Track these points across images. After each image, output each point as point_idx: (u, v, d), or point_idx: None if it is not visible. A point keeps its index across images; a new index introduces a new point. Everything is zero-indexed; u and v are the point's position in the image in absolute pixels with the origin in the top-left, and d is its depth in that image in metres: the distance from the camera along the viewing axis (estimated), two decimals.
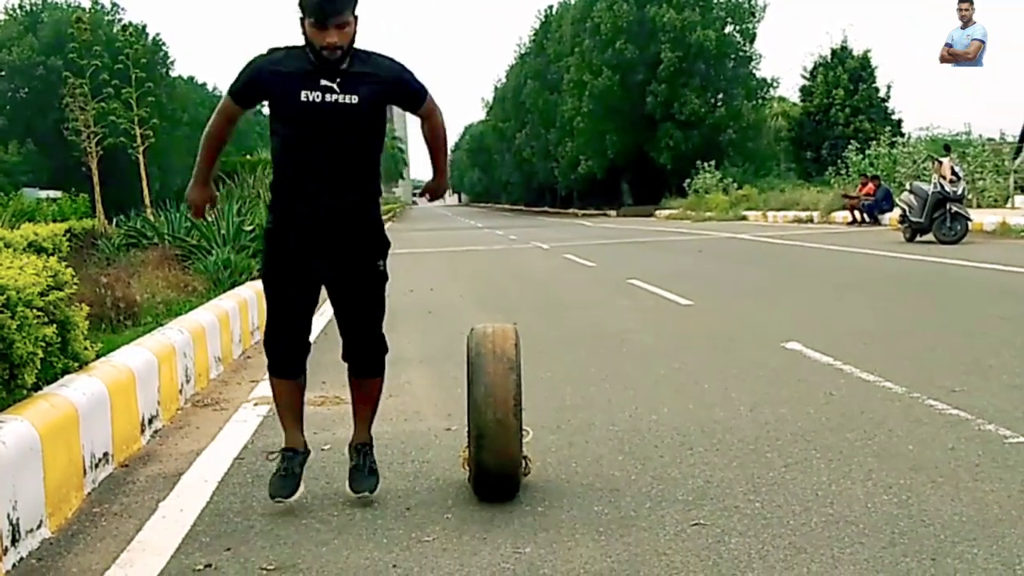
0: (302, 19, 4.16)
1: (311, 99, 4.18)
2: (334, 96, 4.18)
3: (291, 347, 4.55)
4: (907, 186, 22.60)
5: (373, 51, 4.37)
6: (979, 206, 26.68)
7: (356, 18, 4.19)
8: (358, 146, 4.33)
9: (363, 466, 4.57)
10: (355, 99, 4.21)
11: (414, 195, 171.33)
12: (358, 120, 4.26)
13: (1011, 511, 4.01)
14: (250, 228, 13.14)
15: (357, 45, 4.25)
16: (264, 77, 4.30)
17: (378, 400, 4.74)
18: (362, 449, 4.62)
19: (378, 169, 4.49)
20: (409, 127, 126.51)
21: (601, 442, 5.35)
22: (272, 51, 4.35)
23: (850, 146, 38.08)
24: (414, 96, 4.43)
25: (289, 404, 4.63)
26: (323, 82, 4.18)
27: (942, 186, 19.43)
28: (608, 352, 8.24)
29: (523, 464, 4.46)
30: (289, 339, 4.53)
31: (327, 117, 4.20)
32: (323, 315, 11.54)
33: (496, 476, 4.33)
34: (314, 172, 4.28)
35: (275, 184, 4.46)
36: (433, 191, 4.89)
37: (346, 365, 4.68)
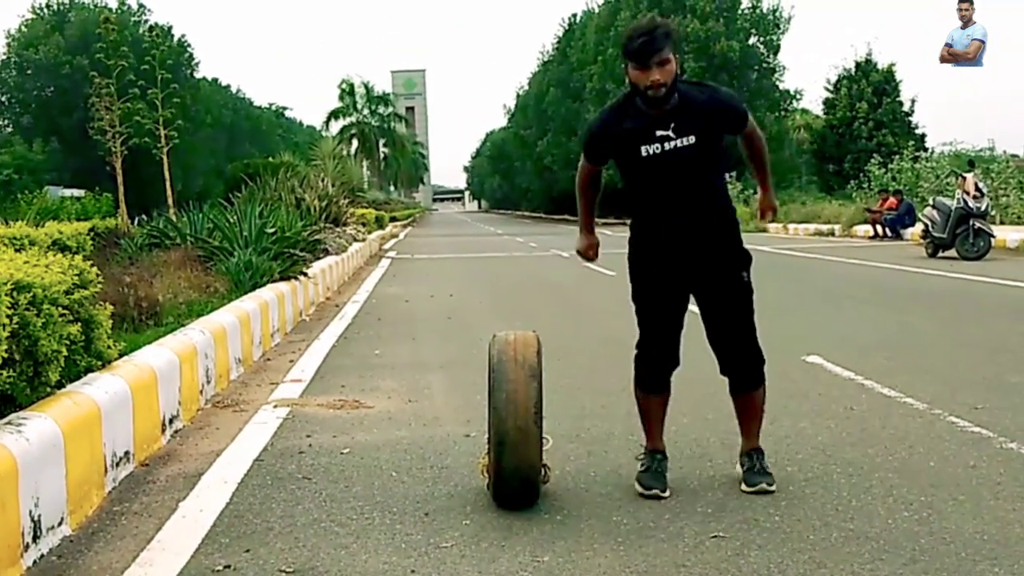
0: (625, 65, 4.39)
1: (651, 152, 4.41)
2: (672, 143, 4.40)
3: (663, 366, 4.78)
4: (930, 201, 22.50)
5: (692, 83, 4.63)
6: (1002, 222, 26.53)
7: (677, 56, 4.37)
8: (703, 176, 4.53)
9: (756, 467, 4.69)
10: (692, 139, 4.40)
11: (434, 200, 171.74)
12: (698, 157, 4.44)
13: None
14: (272, 230, 13.17)
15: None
16: (605, 142, 4.57)
17: (763, 409, 4.86)
18: (753, 454, 4.75)
19: (724, 185, 4.71)
20: (431, 132, 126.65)
21: (620, 451, 5.34)
22: (603, 113, 4.65)
23: (873, 160, 37.95)
24: (738, 120, 4.61)
25: (656, 416, 4.83)
26: (658, 133, 4.39)
27: (965, 202, 19.34)
28: (628, 361, 8.15)
29: (542, 472, 4.46)
30: (662, 359, 4.76)
31: (670, 163, 4.41)
32: (342, 319, 11.59)
33: (515, 483, 4.33)
34: (667, 208, 4.54)
35: (634, 221, 4.70)
36: (765, 209, 4.97)
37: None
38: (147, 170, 31.53)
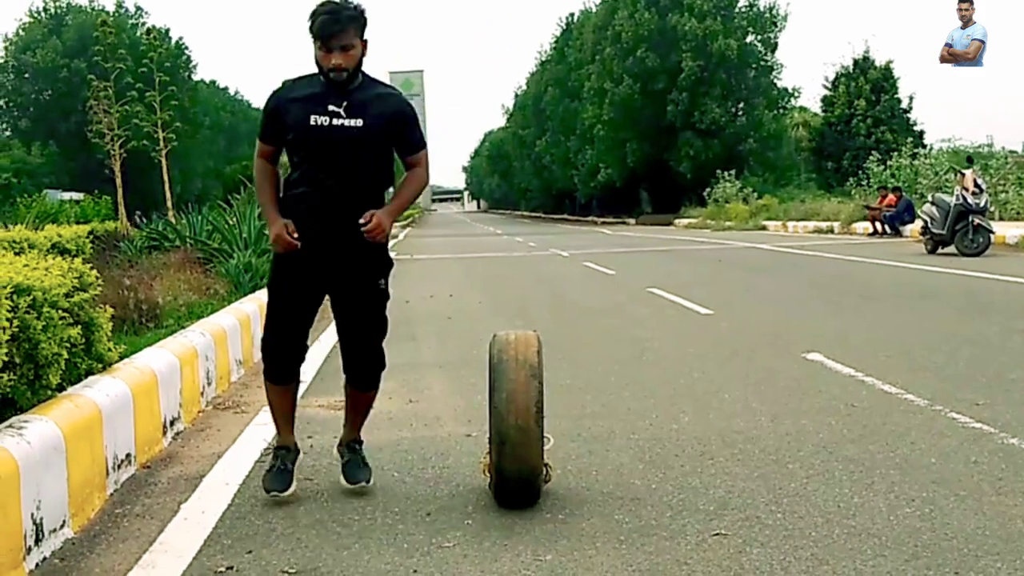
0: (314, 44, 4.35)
1: (319, 123, 4.37)
2: (340, 120, 4.37)
3: (290, 356, 4.70)
4: (929, 198, 22.49)
5: (384, 82, 4.59)
6: (1002, 219, 26.53)
7: (364, 42, 4.36)
8: (363, 169, 4.48)
9: (357, 459, 4.76)
10: (359, 123, 4.38)
11: (433, 200, 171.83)
12: (363, 143, 4.41)
13: None
14: None
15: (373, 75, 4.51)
16: (279, 108, 4.51)
17: (370, 408, 4.91)
18: (352, 445, 4.81)
19: (383, 192, 4.62)
20: (429, 133, 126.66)
21: (622, 450, 5.34)
22: (285, 83, 4.57)
23: (871, 157, 37.95)
24: (410, 139, 4.58)
25: (282, 407, 4.79)
26: (331, 107, 4.37)
27: (964, 198, 19.34)
28: (628, 360, 8.23)
29: (544, 471, 4.46)
30: (288, 348, 4.68)
31: (333, 139, 4.37)
32: None
33: (517, 483, 4.33)
34: (321, 191, 4.46)
35: (285, 200, 4.60)
36: (378, 224, 4.43)
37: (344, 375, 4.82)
38: (146, 173, 31.59)
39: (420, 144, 4.62)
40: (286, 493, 4.56)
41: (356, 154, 4.42)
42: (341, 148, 4.39)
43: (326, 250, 4.49)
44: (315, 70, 4.41)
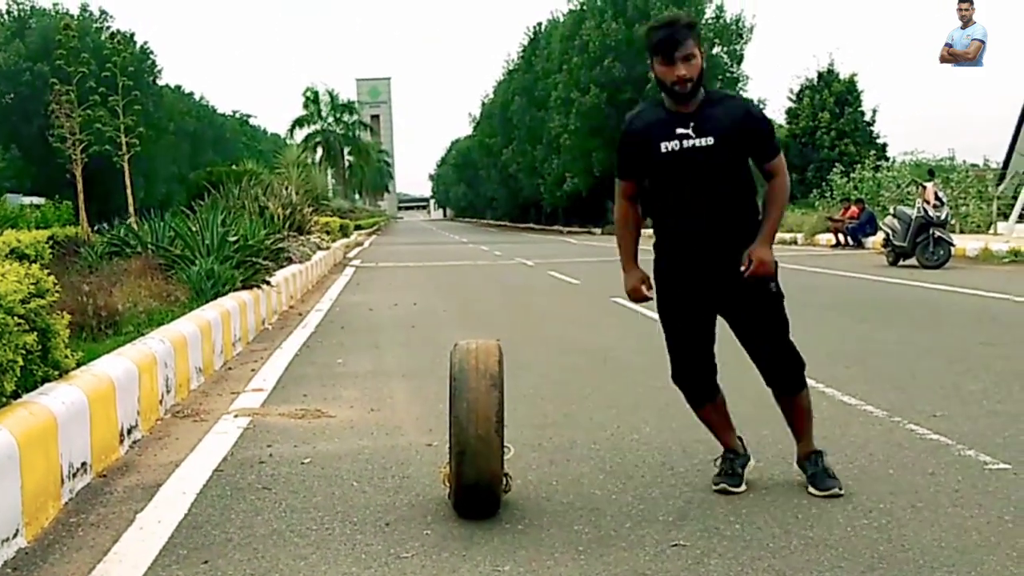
0: (650, 62, 4.36)
1: (670, 149, 4.38)
2: (691, 141, 4.36)
3: (703, 377, 4.74)
4: (891, 210, 22.72)
5: (725, 91, 4.56)
6: (962, 231, 26.83)
7: (703, 52, 4.37)
8: (723, 180, 4.46)
9: (821, 471, 4.68)
10: (711, 140, 4.37)
11: (399, 208, 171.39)
12: (716, 160, 4.39)
13: (990, 538, 4.02)
14: (234, 239, 13.09)
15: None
16: (630, 143, 4.51)
17: (810, 409, 4.85)
18: (812, 457, 4.76)
19: (749, 197, 4.58)
20: (396, 141, 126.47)
21: (583, 460, 5.34)
22: (629, 116, 4.60)
23: (835, 169, 38.28)
24: (764, 142, 4.53)
25: (718, 421, 4.85)
26: (679, 131, 4.37)
27: (926, 211, 19.54)
28: (591, 370, 8.24)
29: (504, 481, 4.45)
30: (699, 371, 4.72)
31: (688, 161, 4.37)
32: (305, 327, 11.54)
33: (477, 493, 4.31)
34: (687, 210, 4.48)
35: (656, 225, 4.65)
36: (752, 257, 4.46)
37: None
38: (108, 178, 31.23)
39: (776, 147, 4.57)
40: (739, 489, 4.65)
41: (712, 169, 4.39)
42: (697, 166, 4.37)
43: (710, 264, 4.51)
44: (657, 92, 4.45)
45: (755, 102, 4.83)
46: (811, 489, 4.63)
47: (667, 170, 4.42)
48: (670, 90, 4.34)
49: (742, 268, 4.43)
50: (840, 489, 4.57)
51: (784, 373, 4.72)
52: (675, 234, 4.56)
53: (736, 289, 4.52)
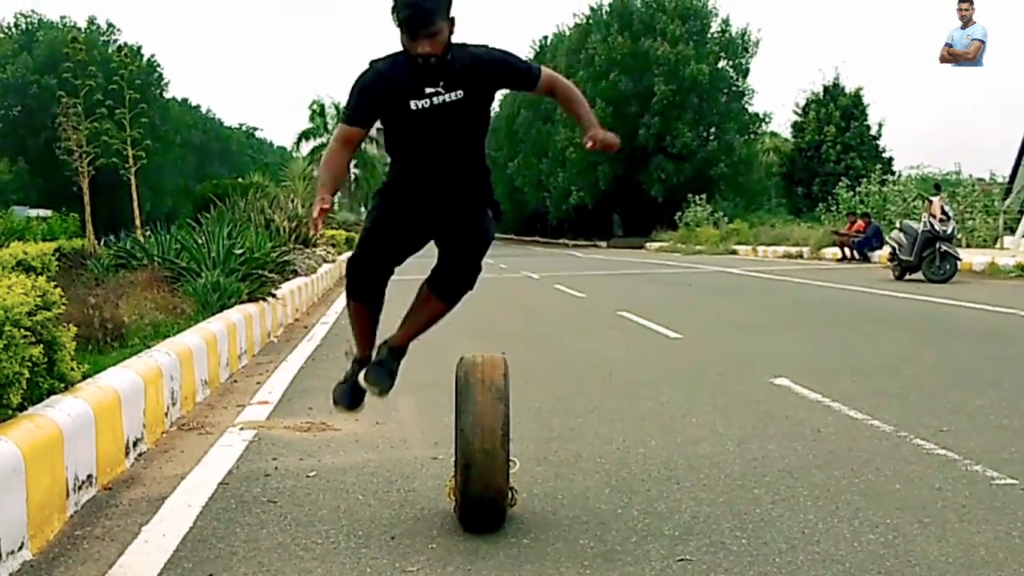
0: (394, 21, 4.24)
1: (420, 106, 4.27)
2: (440, 97, 4.27)
3: (378, 279, 4.63)
4: (897, 224, 22.71)
5: (471, 44, 4.42)
6: (968, 246, 26.79)
7: (452, 20, 4.23)
8: (469, 136, 4.45)
9: (388, 364, 4.77)
10: (460, 94, 4.28)
11: None
12: (466, 113, 4.34)
13: (997, 553, 4.00)
14: (240, 251, 13.11)
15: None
16: (373, 95, 4.34)
17: (433, 324, 4.87)
18: (396, 351, 4.81)
19: (483, 150, 4.57)
20: None
21: (588, 474, 5.33)
22: (373, 64, 4.40)
23: (841, 183, 38.26)
24: (524, 75, 4.49)
25: (362, 324, 4.78)
26: (427, 89, 4.27)
27: (932, 225, 19.53)
28: (596, 384, 8.23)
29: (509, 495, 4.44)
30: (378, 271, 4.61)
31: (437, 118, 4.29)
32: (311, 340, 11.54)
33: (482, 507, 4.31)
34: (430, 164, 4.41)
35: (393, 173, 4.59)
36: (591, 137, 4.49)
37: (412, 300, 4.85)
38: (115, 190, 31.36)
39: (534, 68, 4.51)
40: (355, 411, 4.79)
41: (459, 124, 4.35)
42: (445, 122, 4.30)
43: (438, 205, 4.46)
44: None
45: (498, 48, 4.75)
46: (362, 380, 4.71)
47: (414, 125, 4.33)
48: (414, 60, 4.21)
49: (588, 145, 4.46)
50: (385, 393, 4.73)
51: (461, 282, 4.66)
52: (414, 182, 4.46)
53: (456, 229, 4.52)
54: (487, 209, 4.63)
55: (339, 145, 4.50)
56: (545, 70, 4.53)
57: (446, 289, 4.72)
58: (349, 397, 4.84)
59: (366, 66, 4.39)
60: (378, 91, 4.31)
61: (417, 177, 4.45)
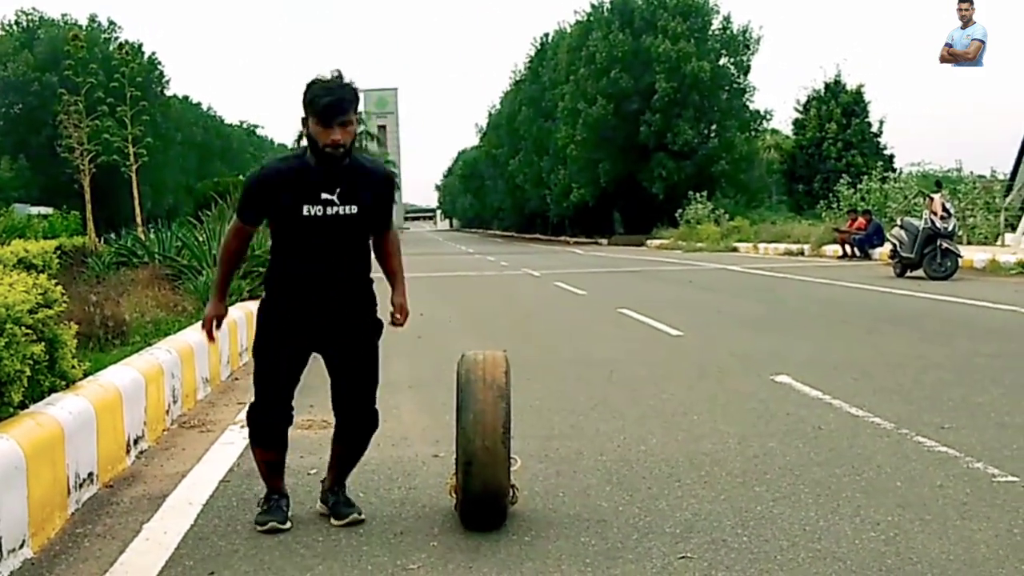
0: (304, 119, 4.28)
1: (312, 213, 4.30)
2: (335, 208, 4.31)
3: (278, 422, 4.59)
4: (898, 221, 22.69)
5: (365, 156, 4.59)
6: (969, 243, 26.76)
7: (357, 117, 4.35)
8: (355, 243, 4.46)
9: (342, 500, 4.67)
10: (354, 208, 4.34)
11: (406, 219, 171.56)
12: (356, 226, 4.39)
13: (999, 551, 4.00)
14: None
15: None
16: (264, 197, 4.39)
17: (358, 461, 4.83)
18: (337, 489, 4.72)
19: (369, 254, 4.59)
20: (402, 151, 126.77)
21: (589, 472, 5.33)
22: (269, 165, 4.52)
23: (842, 180, 38.23)
24: (387, 213, 4.60)
25: (271, 466, 4.67)
26: (323, 195, 4.30)
27: (933, 222, 19.51)
28: (597, 381, 8.23)
29: (510, 493, 4.45)
30: (277, 414, 4.57)
31: (328, 227, 4.32)
32: None
33: (483, 504, 4.31)
34: (313, 265, 4.39)
35: (273, 269, 4.53)
36: (398, 308, 4.73)
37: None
38: (116, 188, 31.35)
39: (389, 212, 4.62)
40: (285, 526, 4.48)
41: (349, 234, 4.39)
42: (335, 232, 4.34)
43: (321, 312, 4.45)
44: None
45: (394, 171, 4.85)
46: (333, 520, 4.56)
47: (304, 230, 4.34)
48: (321, 151, 4.24)
49: (395, 319, 4.66)
50: (360, 514, 4.57)
51: (365, 426, 4.65)
52: (297, 276, 4.43)
53: (346, 339, 4.52)
54: (375, 336, 4.62)
55: (234, 239, 4.59)
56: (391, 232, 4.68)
57: (349, 443, 4.72)
58: (281, 517, 4.54)
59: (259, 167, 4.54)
60: (273, 187, 4.35)
61: (299, 274, 4.42)
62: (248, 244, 4.70)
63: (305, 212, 4.28)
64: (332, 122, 4.19)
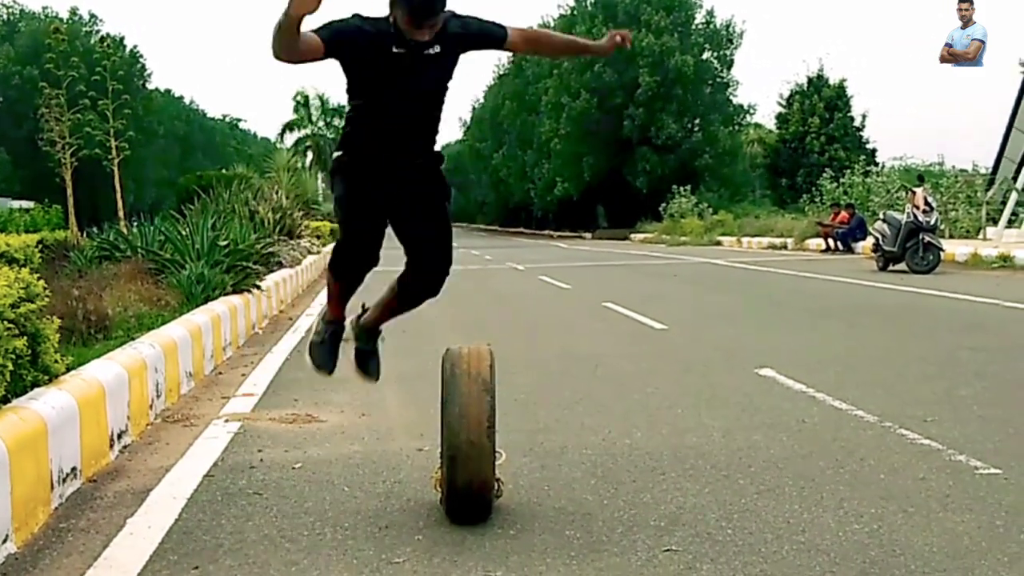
0: (392, 2, 4.17)
1: (400, 52, 4.20)
2: (422, 48, 4.22)
3: (363, 268, 4.71)
4: (880, 215, 22.79)
5: (458, 12, 4.41)
6: (952, 236, 26.89)
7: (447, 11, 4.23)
8: (436, 91, 4.45)
9: (369, 346, 5.09)
10: (438, 48, 4.26)
11: None
12: (438, 69, 4.36)
13: (981, 543, 4.03)
14: (224, 243, 13.07)
15: None
16: (351, 33, 4.20)
17: (400, 314, 5.05)
18: (370, 332, 5.07)
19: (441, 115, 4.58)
20: None
21: (574, 465, 5.33)
22: (355, 17, 4.30)
23: (825, 174, 38.34)
24: (495, 33, 4.50)
25: (344, 296, 4.86)
26: (411, 39, 4.20)
27: (915, 216, 19.59)
28: (582, 375, 8.24)
29: (495, 486, 4.45)
30: (363, 262, 4.68)
31: (413, 66, 4.24)
32: (296, 332, 11.52)
33: (468, 498, 4.31)
34: (394, 117, 4.38)
35: (355, 122, 4.51)
36: (617, 35, 4.90)
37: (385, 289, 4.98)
38: (98, 182, 31.20)
39: (502, 27, 4.53)
40: (330, 373, 4.91)
41: (431, 80, 4.37)
42: (419, 75, 4.28)
43: (395, 169, 4.48)
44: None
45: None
46: (356, 370, 5.02)
47: (391, 69, 4.24)
48: (403, 37, 4.17)
49: (618, 40, 4.86)
50: (376, 379, 5.02)
51: (439, 272, 4.80)
52: (375, 135, 4.43)
53: (415, 200, 4.61)
54: (446, 200, 4.74)
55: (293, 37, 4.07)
56: (511, 28, 4.55)
57: (412, 294, 4.92)
58: (331, 361, 4.94)
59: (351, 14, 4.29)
60: (367, 34, 4.21)
61: (377, 125, 4.40)
62: (299, 44, 4.08)
63: (394, 50, 4.18)
64: (422, 23, 4.13)
